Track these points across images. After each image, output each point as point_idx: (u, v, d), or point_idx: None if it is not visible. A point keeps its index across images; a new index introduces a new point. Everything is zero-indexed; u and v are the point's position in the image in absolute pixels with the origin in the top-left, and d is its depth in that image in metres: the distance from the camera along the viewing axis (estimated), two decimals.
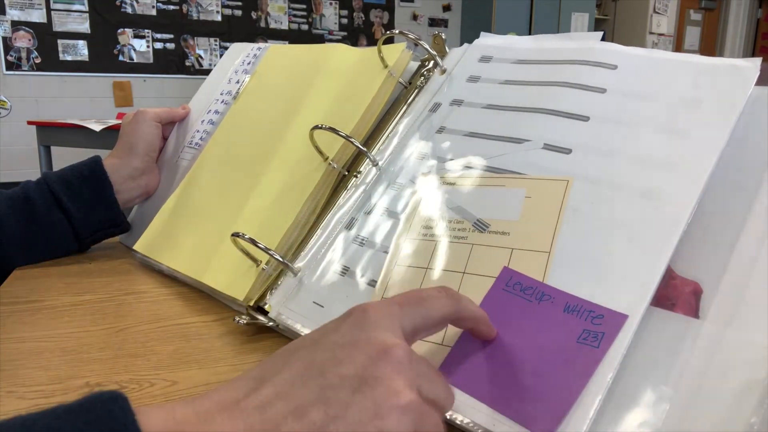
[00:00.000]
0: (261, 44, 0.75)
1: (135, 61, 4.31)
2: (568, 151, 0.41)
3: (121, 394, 0.24)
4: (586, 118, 0.42)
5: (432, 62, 0.56)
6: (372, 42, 5.02)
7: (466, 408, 0.32)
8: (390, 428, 0.24)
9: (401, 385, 0.26)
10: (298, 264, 0.48)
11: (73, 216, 0.61)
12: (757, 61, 0.39)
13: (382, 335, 0.27)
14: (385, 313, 0.29)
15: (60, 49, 4.06)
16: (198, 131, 0.70)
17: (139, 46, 4.31)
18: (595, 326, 0.32)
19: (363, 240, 0.45)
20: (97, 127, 2.40)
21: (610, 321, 0.32)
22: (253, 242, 0.46)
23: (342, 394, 0.25)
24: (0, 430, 0.22)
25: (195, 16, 4.45)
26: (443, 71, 0.54)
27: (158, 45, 4.37)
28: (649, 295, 0.32)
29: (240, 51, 0.76)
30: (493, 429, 0.30)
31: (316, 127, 0.51)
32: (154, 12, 4.31)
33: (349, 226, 0.48)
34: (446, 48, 0.57)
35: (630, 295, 0.32)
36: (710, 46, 6.31)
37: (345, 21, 4.98)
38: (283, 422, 0.24)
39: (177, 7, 4.37)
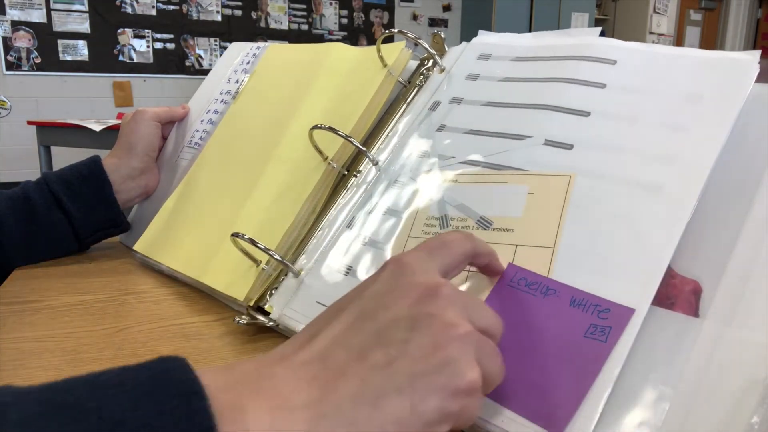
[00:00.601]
0: (260, 44, 0.75)
1: (135, 61, 4.31)
2: (569, 147, 0.41)
3: (180, 357, 0.24)
4: (586, 114, 0.42)
5: (431, 61, 0.56)
6: (372, 42, 5.02)
7: None
8: (454, 356, 0.25)
9: (455, 317, 0.27)
10: (298, 264, 0.48)
11: (73, 216, 0.61)
12: (756, 54, 0.39)
13: (423, 277, 0.28)
14: (419, 257, 0.30)
15: (60, 49, 4.06)
16: (197, 131, 0.70)
17: (139, 46, 4.31)
18: (602, 320, 0.32)
19: (365, 239, 0.45)
20: (97, 127, 2.41)
21: (616, 315, 0.32)
22: (253, 242, 0.46)
23: (398, 334, 0.26)
24: (65, 383, 0.23)
25: (195, 16, 4.45)
26: (442, 70, 0.54)
27: (158, 45, 4.37)
28: (654, 288, 0.32)
29: (239, 50, 0.76)
30: (503, 426, 0.30)
31: (315, 127, 0.51)
32: (154, 12, 4.31)
33: (350, 225, 0.48)
34: (445, 47, 0.57)
35: (635, 289, 0.32)
36: (710, 46, 6.30)
37: (345, 21, 4.98)
38: (346, 366, 0.25)
39: (177, 7, 4.37)
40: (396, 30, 0.58)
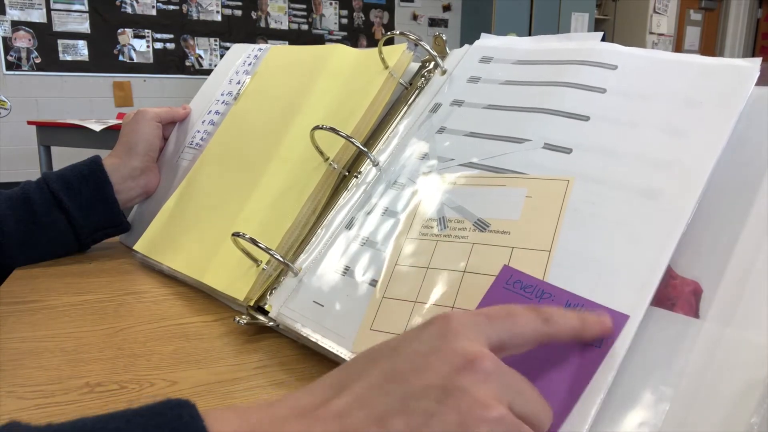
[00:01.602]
0: (262, 45, 0.75)
1: (135, 61, 4.31)
2: (568, 151, 0.41)
3: (189, 401, 0.23)
4: (586, 118, 0.42)
5: (432, 63, 0.56)
6: (372, 42, 5.02)
7: None
8: None
9: (489, 397, 0.24)
10: (299, 264, 0.48)
11: (73, 216, 0.61)
12: (757, 62, 0.39)
13: (467, 344, 0.26)
14: (471, 322, 0.27)
15: (60, 49, 4.06)
16: (198, 131, 0.70)
17: (139, 46, 4.30)
18: None
19: (364, 240, 0.45)
20: (97, 127, 2.41)
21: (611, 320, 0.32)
22: (254, 242, 0.46)
23: (425, 404, 0.24)
24: (72, 429, 0.22)
25: (195, 16, 4.45)
26: (444, 72, 0.54)
27: (158, 45, 4.36)
28: (650, 295, 0.32)
29: (241, 52, 0.76)
30: None
31: (316, 128, 0.51)
32: (154, 12, 4.31)
33: (349, 225, 0.48)
34: (447, 49, 0.57)
35: (630, 295, 0.32)
36: (710, 46, 6.31)
37: (345, 21, 4.98)
38: (363, 430, 0.23)
39: (177, 7, 4.37)
40: (398, 32, 0.58)
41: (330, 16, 4.92)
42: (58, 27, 4.02)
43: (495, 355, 0.26)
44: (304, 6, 4.80)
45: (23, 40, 3.95)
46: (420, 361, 0.25)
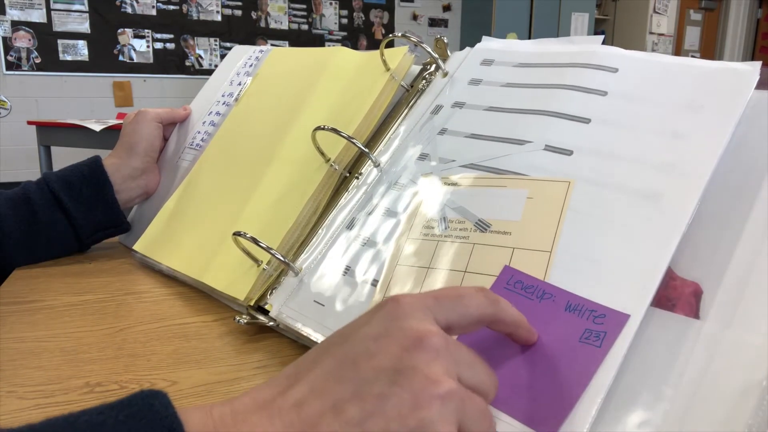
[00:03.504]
0: (263, 47, 0.75)
1: (135, 61, 4.31)
2: (569, 153, 0.41)
3: (161, 391, 0.24)
4: (587, 121, 0.42)
5: (434, 65, 0.56)
6: (372, 42, 5.02)
7: None
8: (432, 418, 0.23)
9: (439, 373, 0.25)
10: (300, 263, 0.48)
11: (74, 216, 0.61)
12: (756, 65, 0.39)
13: (415, 324, 0.26)
14: (419, 303, 0.27)
15: (60, 49, 4.06)
16: (199, 132, 0.70)
17: (139, 46, 4.31)
18: (597, 325, 0.32)
19: (365, 240, 0.46)
20: (97, 127, 2.40)
21: (611, 320, 0.32)
22: (255, 241, 0.46)
23: (378, 388, 0.24)
24: (45, 427, 0.22)
25: (195, 16, 4.45)
26: (445, 74, 0.55)
27: (158, 45, 4.37)
28: (650, 295, 0.32)
29: (242, 53, 0.76)
30: (496, 428, 0.30)
31: (318, 128, 0.51)
32: (154, 12, 4.31)
33: (350, 226, 0.48)
34: (448, 51, 0.57)
35: (631, 296, 0.32)
36: (710, 46, 6.31)
37: (345, 21, 4.98)
38: (320, 420, 0.24)
39: (177, 7, 4.37)
40: (399, 34, 0.58)
41: (330, 16, 4.92)
42: (58, 27, 4.02)
43: (442, 331, 0.26)
44: (304, 6, 4.80)
45: (23, 40, 3.95)
46: (371, 345, 0.26)
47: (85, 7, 4.09)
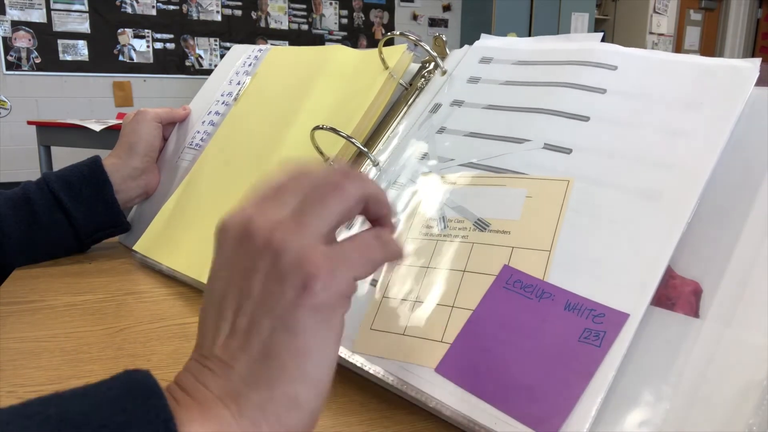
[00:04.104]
0: (262, 46, 0.75)
1: (135, 61, 4.32)
2: (568, 151, 0.41)
3: (143, 369, 0.26)
4: (586, 119, 0.42)
5: (432, 64, 0.56)
6: (372, 42, 5.02)
7: (466, 405, 0.32)
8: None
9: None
10: None
11: (73, 216, 0.61)
12: (756, 62, 0.39)
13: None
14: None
15: (60, 49, 4.06)
16: (198, 132, 0.70)
17: (139, 46, 4.31)
18: (597, 325, 0.32)
19: None
20: (97, 127, 2.40)
21: (611, 320, 0.32)
22: None
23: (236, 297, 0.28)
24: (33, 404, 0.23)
25: (195, 16, 4.45)
26: (444, 72, 0.54)
27: (158, 45, 4.37)
28: (650, 294, 0.32)
29: (241, 53, 0.76)
30: (495, 428, 0.30)
31: (317, 128, 0.51)
32: (154, 12, 4.31)
33: (349, 225, 0.48)
34: (447, 50, 0.57)
35: (630, 295, 0.32)
36: (710, 46, 6.31)
37: (345, 21, 4.99)
38: (233, 356, 0.26)
39: (177, 7, 4.37)
40: (398, 32, 0.58)
41: (330, 16, 4.92)
42: (58, 27, 4.03)
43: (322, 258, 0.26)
44: (304, 6, 4.80)
45: (23, 40, 3.95)
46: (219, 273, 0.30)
47: (85, 7, 4.09)
